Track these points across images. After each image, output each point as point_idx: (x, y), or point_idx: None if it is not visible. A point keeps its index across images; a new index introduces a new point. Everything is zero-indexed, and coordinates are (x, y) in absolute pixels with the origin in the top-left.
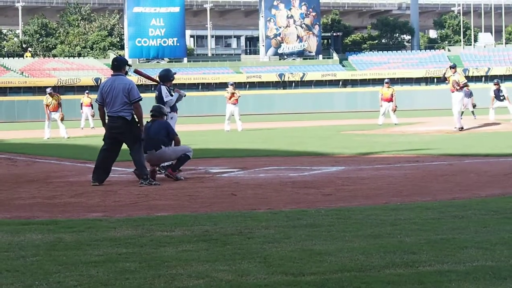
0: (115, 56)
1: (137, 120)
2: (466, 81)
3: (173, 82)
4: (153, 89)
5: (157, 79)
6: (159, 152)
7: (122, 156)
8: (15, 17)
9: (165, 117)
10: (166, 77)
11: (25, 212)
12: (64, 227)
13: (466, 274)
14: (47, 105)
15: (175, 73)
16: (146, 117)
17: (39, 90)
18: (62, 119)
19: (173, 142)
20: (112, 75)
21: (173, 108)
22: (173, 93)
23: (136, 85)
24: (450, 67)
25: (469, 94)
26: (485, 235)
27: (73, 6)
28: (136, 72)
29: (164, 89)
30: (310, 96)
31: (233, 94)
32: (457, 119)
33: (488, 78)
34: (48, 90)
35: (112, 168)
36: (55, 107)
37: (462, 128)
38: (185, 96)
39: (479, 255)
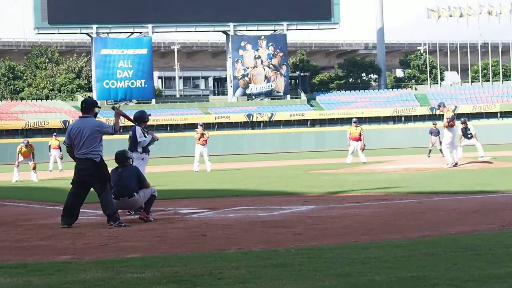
0: (84, 98)
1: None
2: (449, 117)
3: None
4: (125, 130)
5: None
6: (132, 200)
7: (91, 198)
8: None
9: (130, 160)
10: (141, 118)
11: None
12: (33, 270)
13: None
14: (20, 152)
15: (149, 115)
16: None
17: (7, 133)
18: (34, 168)
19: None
20: (80, 117)
21: (145, 150)
22: (147, 135)
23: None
24: (438, 106)
25: (437, 133)
26: (455, 272)
27: (38, 49)
28: (114, 108)
29: (139, 129)
30: (278, 136)
31: (202, 135)
32: (449, 156)
33: (455, 117)
34: (24, 141)
35: (82, 210)
36: (27, 155)
37: (453, 164)
38: (157, 140)
39: None
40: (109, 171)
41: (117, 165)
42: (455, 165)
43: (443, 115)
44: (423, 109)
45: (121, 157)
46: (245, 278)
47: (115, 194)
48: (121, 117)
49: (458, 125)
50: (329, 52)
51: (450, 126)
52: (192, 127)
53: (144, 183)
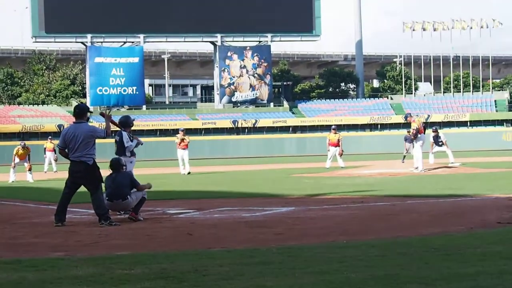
0: (76, 104)
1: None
2: (414, 128)
3: (132, 128)
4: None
5: None
6: (125, 202)
7: (84, 198)
8: None
9: (124, 167)
10: (126, 123)
11: None
12: (27, 266)
13: None
14: (16, 154)
15: (134, 120)
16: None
17: (5, 136)
18: (30, 169)
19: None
20: (74, 122)
21: (132, 153)
22: (132, 139)
23: None
24: (405, 117)
25: (411, 139)
26: (426, 271)
27: (37, 56)
28: (102, 115)
29: (125, 135)
30: (262, 141)
31: (182, 140)
32: (419, 162)
33: (428, 125)
34: (21, 144)
35: (75, 209)
36: (23, 157)
37: (424, 170)
38: (142, 144)
39: None
40: (101, 173)
41: (111, 172)
42: (421, 171)
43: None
44: (398, 117)
45: (115, 164)
46: (229, 275)
47: (109, 196)
48: (115, 124)
49: (430, 133)
50: (311, 63)
51: (416, 135)
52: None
53: (138, 187)
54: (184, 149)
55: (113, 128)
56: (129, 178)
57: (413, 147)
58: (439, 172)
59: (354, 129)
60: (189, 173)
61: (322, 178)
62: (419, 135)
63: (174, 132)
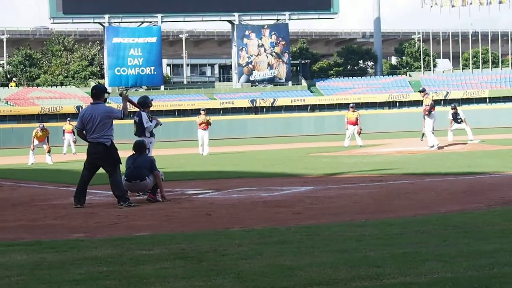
0: (94, 85)
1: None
2: (428, 104)
3: (151, 108)
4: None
5: None
6: (143, 183)
7: (103, 180)
8: (0, 49)
9: (147, 150)
10: (145, 103)
11: (10, 233)
12: (47, 248)
13: (427, 286)
14: (35, 136)
15: (152, 100)
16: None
17: (23, 118)
18: (49, 151)
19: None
20: (91, 103)
21: (151, 134)
22: (151, 119)
23: None
24: (419, 91)
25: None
26: (445, 249)
27: (56, 37)
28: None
29: (144, 115)
30: (280, 120)
31: (207, 122)
32: (431, 139)
33: (447, 102)
34: (40, 126)
35: (94, 191)
36: (42, 139)
37: (438, 145)
38: (161, 125)
39: (440, 267)
40: (119, 155)
41: (133, 153)
42: (440, 147)
43: (423, 101)
44: (416, 95)
45: (139, 146)
46: (248, 254)
47: (128, 177)
48: (134, 105)
49: (449, 110)
50: (329, 41)
51: (430, 111)
52: (198, 112)
53: (155, 173)
54: (204, 129)
55: (132, 109)
56: (150, 161)
57: (425, 124)
58: (458, 150)
59: (372, 107)
60: (208, 154)
61: (341, 157)
62: (432, 112)
63: (193, 112)
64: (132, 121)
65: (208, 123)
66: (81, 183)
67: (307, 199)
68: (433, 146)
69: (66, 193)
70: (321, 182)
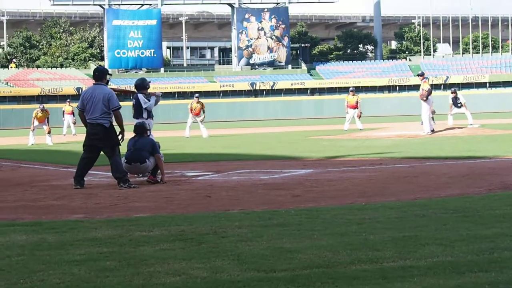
0: (96, 67)
1: (118, 126)
2: (425, 89)
3: (149, 90)
4: (131, 97)
5: (133, 88)
6: (143, 165)
7: (103, 162)
8: (0, 30)
9: (148, 132)
10: (142, 85)
11: (10, 214)
12: (47, 228)
13: (427, 269)
14: (35, 117)
15: (149, 82)
16: (126, 124)
17: (23, 99)
18: (49, 132)
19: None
20: (94, 84)
21: (149, 115)
22: (149, 99)
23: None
24: (418, 75)
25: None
26: (444, 233)
27: (51, 19)
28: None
29: (141, 96)
30: (280, 103)
31: (201, 108)
32: (427, 124)
33: (447, 86)
34: (40, 106)
35: (94, 172)
36: (42, 120)
37: (433, 130)
38: (161, 95)
39: (439, 251)
40: (119, 137)
41: (134, 135)
42: (432, 131)
43: (420, 85)
44: (416, 79)
45: (140, 128)
46: (247, 236)
47: (128, 159)
48: (123, 92)
49: (449, 94)
50: (329, 24)
51: (427, 96)
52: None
53: (156, 155)
54: (196, 115)
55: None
56: (151, 144)
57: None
58: (458, 134)
59: (372, 91)
60: (208, 136)
61: (340, 140)
62: (429, 97)
63: (192, 95)
64: (131, 103)
65: (201, 110)
66: (81, 165)
67: (307, 182)
68: (429, 132)
69: (66, 174)
70: (321, 165)
